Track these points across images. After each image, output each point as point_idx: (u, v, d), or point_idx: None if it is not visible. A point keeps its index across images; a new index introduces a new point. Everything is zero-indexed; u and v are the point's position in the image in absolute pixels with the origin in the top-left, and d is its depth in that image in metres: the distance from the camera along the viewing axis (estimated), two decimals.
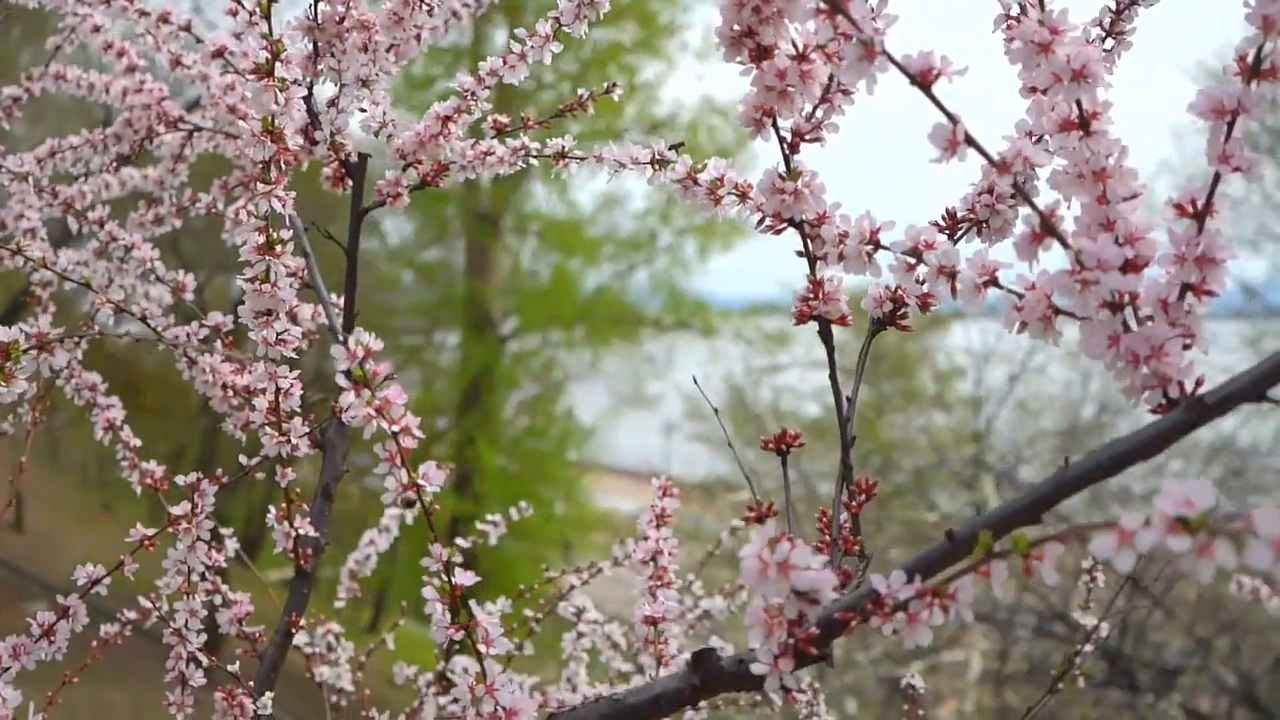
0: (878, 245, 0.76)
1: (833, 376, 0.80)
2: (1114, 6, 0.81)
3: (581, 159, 1.13)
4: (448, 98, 1.15)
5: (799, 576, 0.60)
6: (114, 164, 1.47)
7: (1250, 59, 0.61)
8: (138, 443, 1.21)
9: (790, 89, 0.72)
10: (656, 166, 0.98)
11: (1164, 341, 0.61)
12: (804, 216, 0.77)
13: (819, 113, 0.77)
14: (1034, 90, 0.70)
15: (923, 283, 0.74)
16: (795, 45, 0.71)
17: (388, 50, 1.12)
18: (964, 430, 8.43)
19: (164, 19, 1.24)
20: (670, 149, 0.98)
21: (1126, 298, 0.62)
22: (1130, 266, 0.63)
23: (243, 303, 0.96)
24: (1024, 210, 0.67)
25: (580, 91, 1.17)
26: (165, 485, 1.12)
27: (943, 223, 0.81)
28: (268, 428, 0.99)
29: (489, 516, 1.62)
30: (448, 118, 1.13)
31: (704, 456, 9.28)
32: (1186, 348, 0.62)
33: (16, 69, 1.51)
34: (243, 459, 1.06)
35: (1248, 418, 7.36)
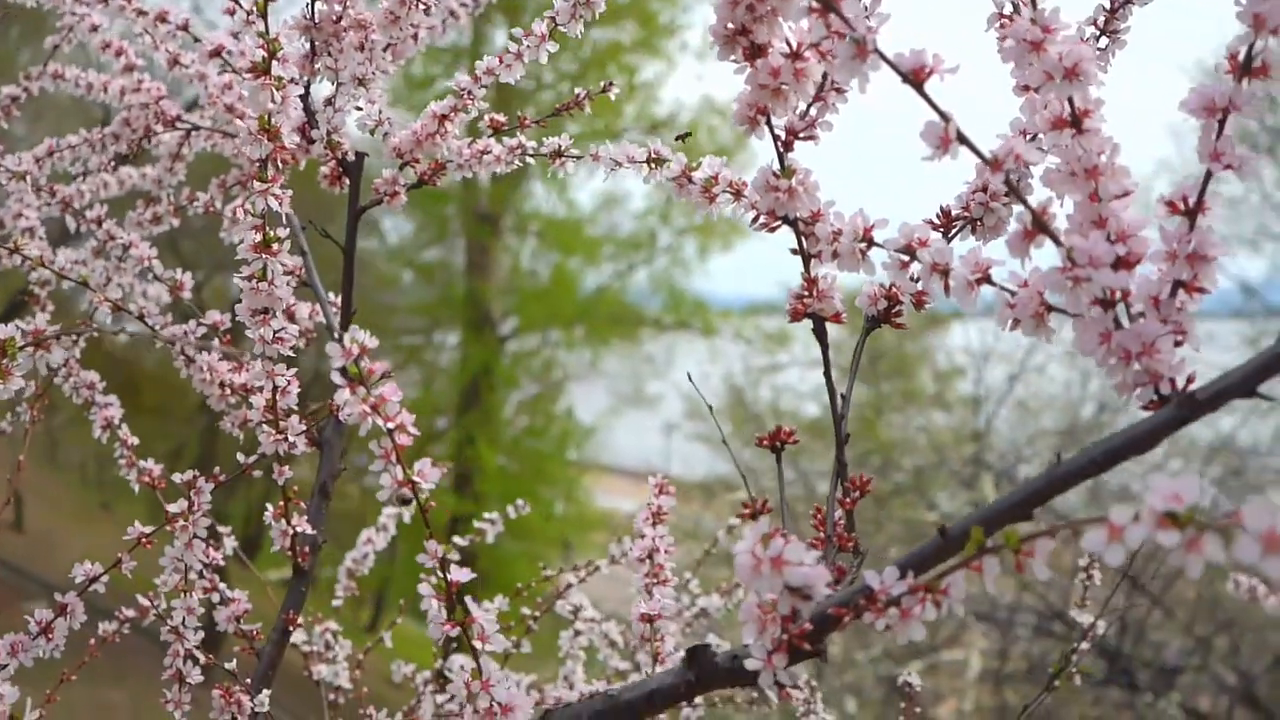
0: (872, 243, 0.76)
1: (827, 374, 0.81)
2: (1108, 5, 0.81)
3: (578, 157, 1.13)
4: (445, 97, 1.15)
5: (792, 572, 0.60)
6: (112, 163, 1.47)
7: (1241, 57, 0.61)
8: (135, 441, 1.21)
9: (784, 87, 0.72)
10: (652, 165, 0.98)
11: (1155, 338, 0.61)
12: (798, 214, 0.77)
13: (813, 111, 0.77)
14: (1027, 88, 0.71)
15: (917, 280, 0.75)
16: (789, 43, 0.71)
17: (385, 49, 1.12)
18: (963, 430, 8.43)
19: (161, 18, 1.24)
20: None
21: (1118, 294, 0.63)
22: (1122, 264, 0.63)
23: (241, 301, 0.96)
24: (1018, 208, 0.67)
25: (577, 90, 1.18)
26: (163, 483, 1.13)
27: (937, 221, 0.82)
28: (265, 426, 1.00)
29: (486, 515, 1.62)
30: (444, 116, 1.13)
31: (704, 456, 9.29)
32: (1178, 344, 0.62)
33: (15, 69, 1.51)
34: (240, 457, 1.07)
35: (1247, 417, 7.36)
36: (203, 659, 1.06)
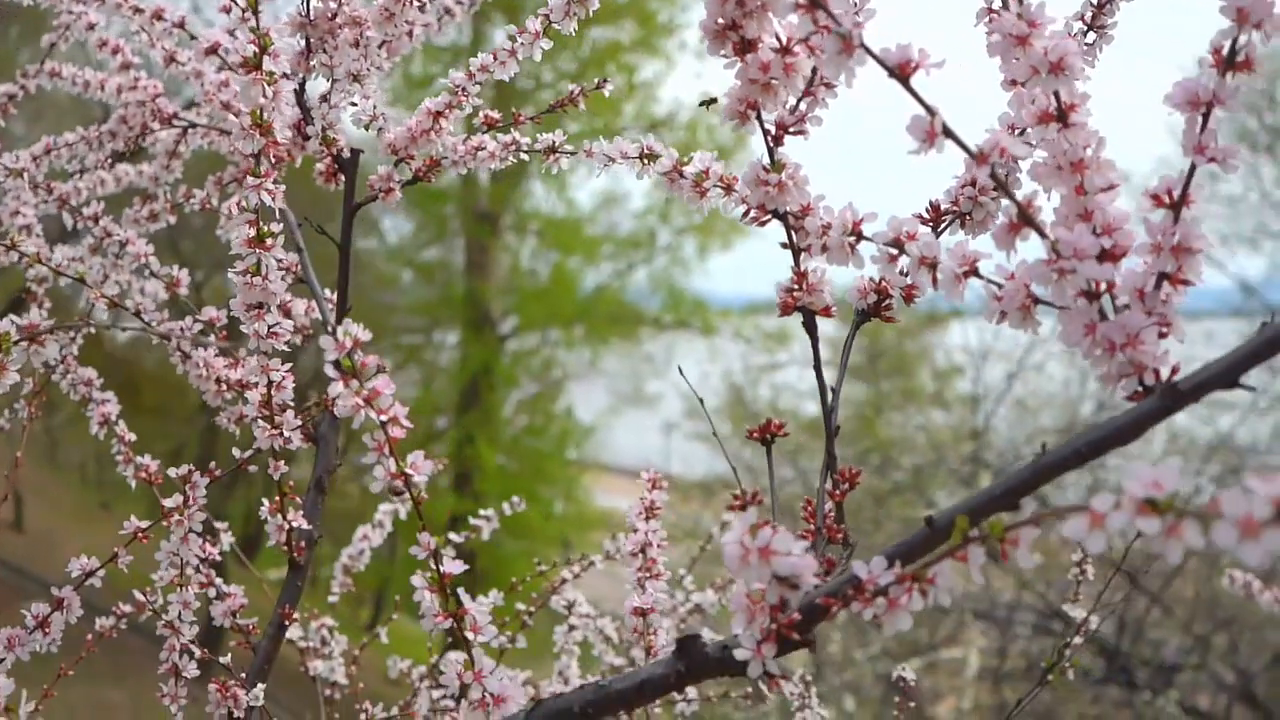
0: (861, 236, 0.77)
1: (817, 367, 0.81)
2: (1095, 1, 0.82)
3: (571, 153, 1.14)
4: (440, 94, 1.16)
5: (780, 561, 0.60)
6: (109, 160, 1.48)
7: (1225, 51, 0.62)
8: (133, 437, 1.21)
9: (774, 82, 0.72)
10: (645, 160, 0.98)
11: (1139, 329, 0.62)
12: (788, 208, 0.78)
13: (803, 106, 0.78)
14: (1015, 83, 0.71)
15: (906, 274, 0.75)
16: (778, 39, 0.72)
17: (380, 46, 1.13)
18: (962, 428, 8.43)
19: (157, 15, 1.24)
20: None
21: (1103, 286, 0.63)
22: (1107, 256, 0.64)
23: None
24: (1005, 202, 0.68)
25: (570, 87, 1.18)
26: (160, 479, 1.13)
27: (927, 215, 0.82)
28: (260, 420, 1.00)
29: (482, 511, 1.63)
30: (439, 113, 1.13)
31: (703, 455, 9.28)
32: (1163, 336, 0.63)
33: (15, 68, 1.52)
34: (235, 452, 1.07)
35: (1246, 415, 7.37)
36: (198, 653, 1.06)
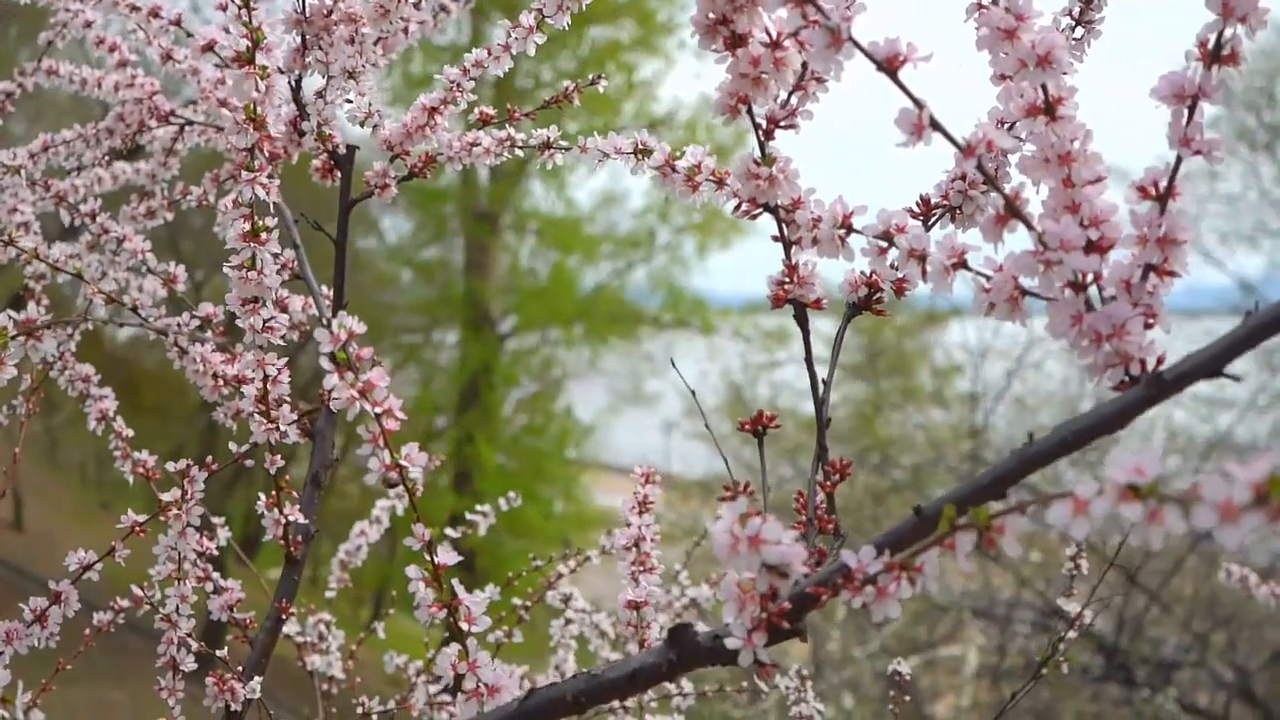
0: (851, 229, 0.77)
1: (808, 360, 0.82)
2: None
3: (566, 148, 1.14)
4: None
5: (769, 550, 0.61)
6: (106, 158, 1.48)
7: (1211, 44, 0.62)
8: (130, 433, 1.22)
9: (764, 76, 0.73)
10: (639, 156, 0.99)
11: (1125, 320, 0.63)
12: (779, 202, 0.78)
13: (793, 100, 0.78)
14: (1003, 77, 0.72)
15: (896, 267, 0.76)
16: (769, 33, 0.72)
17: (375, 43, 1.13)
18: (962, 427, 8.43)
19: (154, 13, 1.25)
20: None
21: (1090, 277, 0.64)
22: (1094, 247, 0.64)
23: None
24: (994, 195, 0.68)
25: (565, 83, 1.19)
26: (157, 474, 1.14)
27: (917, 209, 0.83)
28: (256, 415, 1.01)
29: (478, 507, 1.63)
30: (434, 109, 1.14)
31: (703, 454, 9.29)
32: (1148, 326, 0.63)
33: (13, 66, 1.52)
34: (232, 447, 1.08)
35: (1244, 413, 7.38)
36: (196, 646, 1.07)
